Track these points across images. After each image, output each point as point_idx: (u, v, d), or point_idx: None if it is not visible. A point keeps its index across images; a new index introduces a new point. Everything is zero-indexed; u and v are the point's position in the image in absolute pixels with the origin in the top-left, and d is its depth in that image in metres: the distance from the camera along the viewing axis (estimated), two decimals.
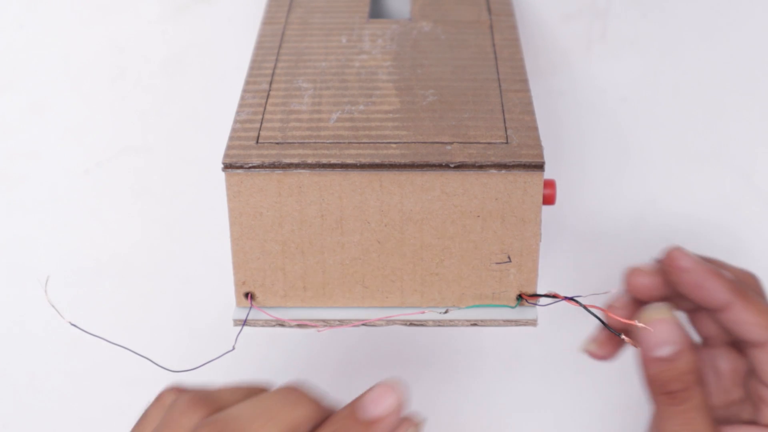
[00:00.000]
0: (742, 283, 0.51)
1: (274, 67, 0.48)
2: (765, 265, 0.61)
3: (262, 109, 0.45)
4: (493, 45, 0.50)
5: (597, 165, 0.62)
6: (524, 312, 0.44)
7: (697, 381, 0.47)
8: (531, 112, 0.44)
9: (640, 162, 0.62)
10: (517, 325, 0.44)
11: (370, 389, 0.42)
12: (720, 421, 0.52)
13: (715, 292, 0.49)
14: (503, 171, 0.41)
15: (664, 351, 0.46)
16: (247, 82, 0.47)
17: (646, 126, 0.61)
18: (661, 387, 0.47)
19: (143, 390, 0.67)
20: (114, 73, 0.59)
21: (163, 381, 0.66)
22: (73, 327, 0.65)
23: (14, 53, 0.58)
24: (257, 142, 0.43)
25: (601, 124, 0.61)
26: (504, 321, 0.45)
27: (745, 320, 0.49)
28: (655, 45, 0.59)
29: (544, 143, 0.42)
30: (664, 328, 0.46)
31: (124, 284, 0.63)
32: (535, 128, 0.43)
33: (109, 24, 0.58)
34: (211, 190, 0.53)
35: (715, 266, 0.50)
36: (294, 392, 0.42)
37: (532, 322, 0.44)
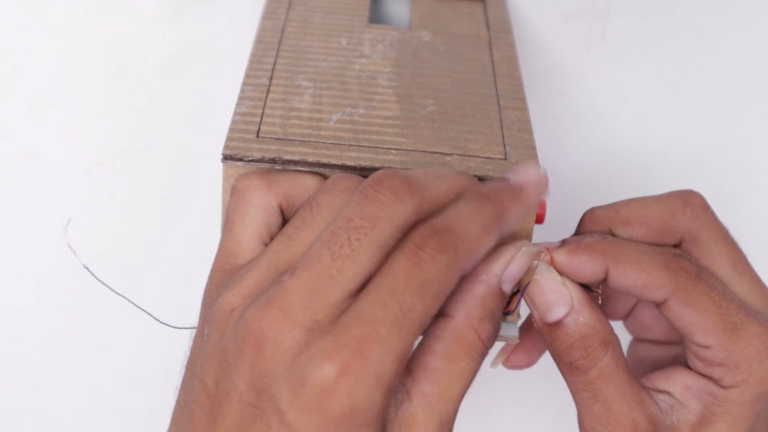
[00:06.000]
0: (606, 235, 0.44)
1: (275, 63, 0.47)
2: (765, 265, 0.61)
3: (262, 103, 0.44)
4: (492, 61, 0.49)
5: (597, 165, 0.62)
6: (506, 328, 0.43)
7: (602, 344, 0.41)
8: (529, 131, 0.44)
9: (640, 162, 0.62)
10: (498, 341, 0.42)
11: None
12: (663, 360, 0.47)
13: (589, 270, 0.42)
14: None
15: (555, 314, 0.41)
16: (248, 75, 0.46)
17: (646, 126, 0.61)
18: (560, 357, 0.42)
19: (143, 390, 0.67)
20: (114, 73, 0.59)
21: (161, 382, 0.66)
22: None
23: (14, 53, 0.58)
24: (258, 136, 0.42)
25: (601, 124, 0.61)
26: None
27: (632, 285, 0.42)
28: (655, 45, 0.59)
29: (543, 143, 0.42)
30: (550, 289, 0.41)
31: (124, 284, 0.63)
32: (533, 147, 0.43)
33: (109, 23, 0.57)
34: (211, 190, 0.53)
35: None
36: (454, 171, 0.40)
37: (514, 339, 0.43)
